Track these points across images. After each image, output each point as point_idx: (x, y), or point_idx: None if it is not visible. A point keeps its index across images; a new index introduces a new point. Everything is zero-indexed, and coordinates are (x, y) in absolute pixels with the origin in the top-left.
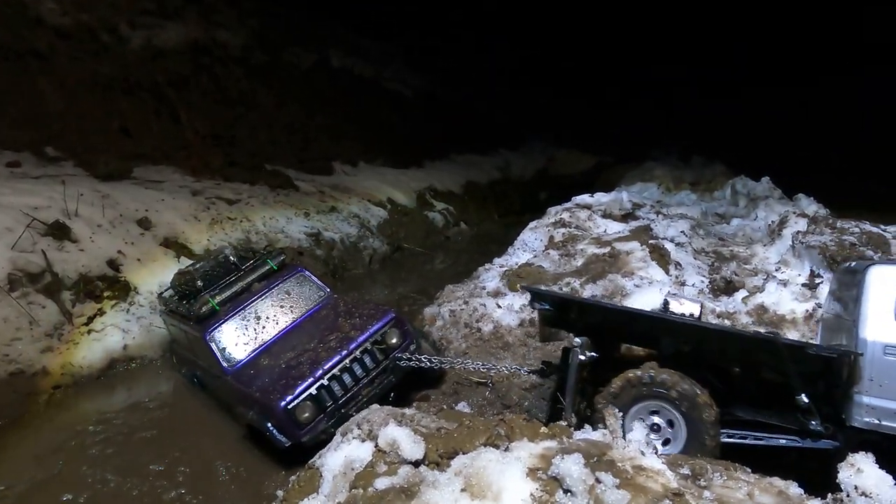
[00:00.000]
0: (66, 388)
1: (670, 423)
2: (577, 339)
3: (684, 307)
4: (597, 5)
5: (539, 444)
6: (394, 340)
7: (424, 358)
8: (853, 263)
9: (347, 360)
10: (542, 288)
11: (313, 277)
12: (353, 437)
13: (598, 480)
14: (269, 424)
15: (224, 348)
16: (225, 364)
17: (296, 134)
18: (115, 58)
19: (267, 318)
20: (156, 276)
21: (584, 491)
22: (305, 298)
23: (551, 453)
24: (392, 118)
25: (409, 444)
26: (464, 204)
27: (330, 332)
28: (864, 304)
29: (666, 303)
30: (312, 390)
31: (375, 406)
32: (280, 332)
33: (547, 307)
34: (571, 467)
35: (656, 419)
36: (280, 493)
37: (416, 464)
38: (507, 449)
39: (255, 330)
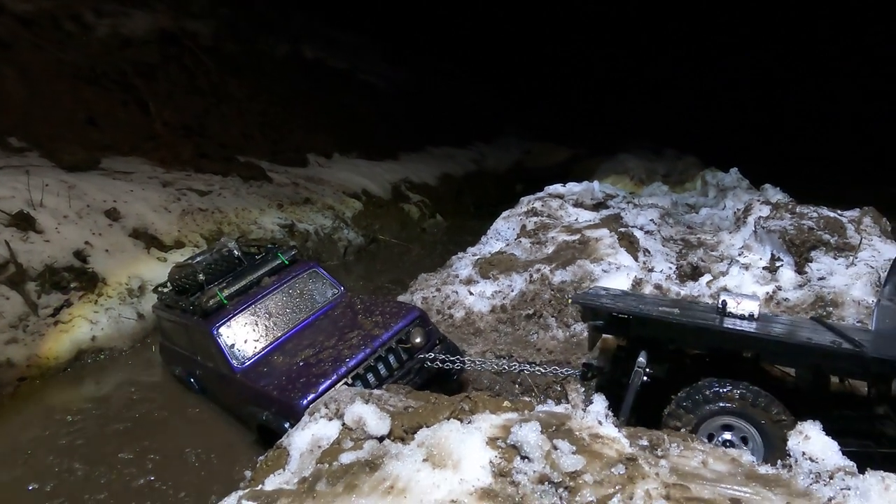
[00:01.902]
0: (32, 381)
1: (744, 440)
2: (641, 359)
3: (742, 306)
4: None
5: (501, 416)
6: (418, 340)
7: (455, 359)
8: None
9: (372, 359)
10: (593, 295)
11: (326, 274)
12: (321, 417)
13: (554, 447)
14: (288, 425)
15: (233, 345)
16: (234, 362)
17: (269, 126)
18: (80, 46)
19: (279, 314)
20: (125, 267)
21: (541, 457)
22: (319, 295)
23: (511, 423)
24: (367, 111)
25: (375, 421)
26: (439, 196)
27: (351, 329)
28: None
29: (724, 303)
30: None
31: (343, 386)
32: (294, 328)
33: (600, 323)
34: (529, 434)
35: (727, 435)
36: (248, 473)
37: (381, 439)
38: (469, 422)
39: (266, 326)
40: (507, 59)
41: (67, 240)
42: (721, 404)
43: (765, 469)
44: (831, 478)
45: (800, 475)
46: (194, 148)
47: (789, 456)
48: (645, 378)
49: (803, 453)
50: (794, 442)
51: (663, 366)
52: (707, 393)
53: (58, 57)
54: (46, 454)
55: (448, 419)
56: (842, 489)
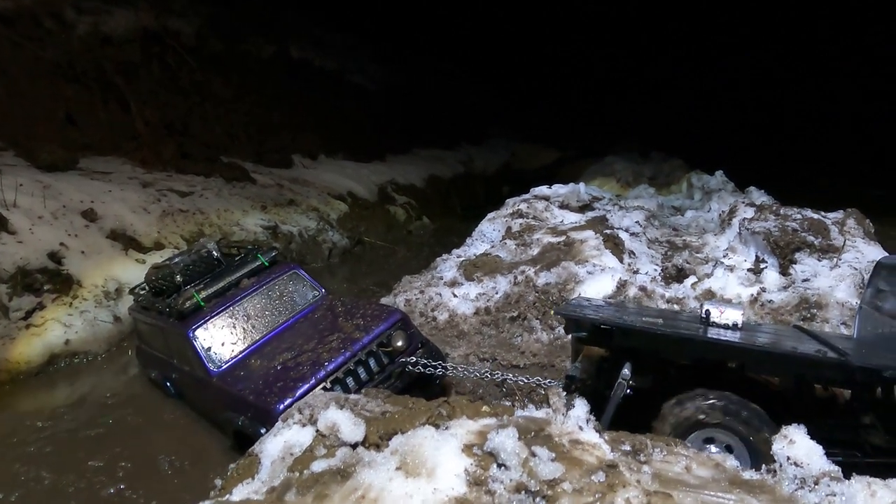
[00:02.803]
0: (1, 386)
1: (728, 449)
2: (626, 371)
3: (726, 315)
4: (560, 4)
5: (478, 421)
6: (399, 343)
7: (437, 364)
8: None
9: (352, 363)
10: (576, 306)
11: (307, 276)
12: (294, 423)
13: (532, 454)
14: (264, 430)
15: (209, 347)
16: (210, 365)
17: (253, 126)
18: (60, 44)
19: (258, 316)
20: (101, 269)
21: (518, 464)
22: (299, 298)
23: (489, 430)
24: (354, 112)
25: (350, 427)
26: (426, 198)
27: (330, 332)
28: None
29: (707, 313)
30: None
31: (319, 391)
32: (272, 331)
33: (583, 334)
34: (506, 441)
35: (712, 448)
36: (218, 481)
37: (355, 446)
38: (446, 428)
39: (244, 329)
40: (496, 61)
41: (41, 241)
42: (705, 417)
43: (749, 474)
44: (816, 483)
45: (784, 480)
46: (176, 148)
47: (774, 461)
48: (628, 391)
49: (788, 458)
50: (779, 446)
51: (647, 377)
52: (679, 412)
53: (36, 54)
54: (13, 462)
55: (424, 425)
56: (827, 495)
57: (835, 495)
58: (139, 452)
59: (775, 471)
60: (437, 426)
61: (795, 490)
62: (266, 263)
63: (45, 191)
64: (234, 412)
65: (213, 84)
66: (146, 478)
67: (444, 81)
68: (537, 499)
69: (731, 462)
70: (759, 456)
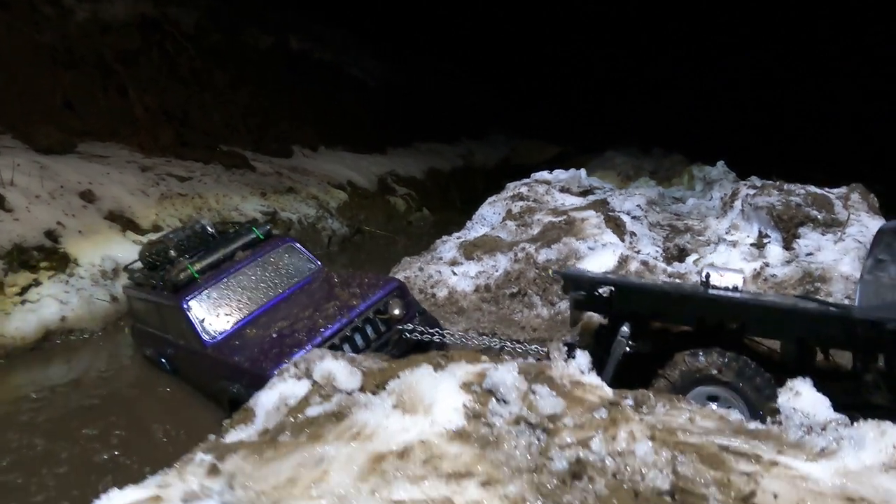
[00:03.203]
0: None
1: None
2: (625, 329)
3: (726, 279)
4: (561, 3)
5: (477, 365)
6: (396, 311)
7: (434, 331)
8: None
9: (348, 329)
10: (575, 271)
11: (303, 249)
12: (290, 376)
13: (532, 391)
14: None
15: (203, 319)
16: (204, 336)
17: (253, 116)
18: (58, 30)
19: (253, 288)
20: (99, 248)
21: (518, 398)
22: (295, 270)
23: (488, 371)
24: (354, 105)
25: (346, 376)
26: (426, 190)
27: (327, 301)
28: None
29: (707, 276)
30: None
31: (315, 349)
32: (268, 303)
33: (582, 293)
34: (506, 376)
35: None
36: (212, 436)
37: (351, 393)
38: (445, 368)
39: (239, 300)
40: (496, 61)
41: (38, 219)
42: (707, 373)
43: (754, 425)
44: (824, 429)
45: (791, 428)
46: (175, 135)
47: (780, 412)
48: (628, 348)
49: (794, 409)
50: (785, 398)
51: (647, 342)
52: (693, 361)
53: (35, 40)
54: (5, 430)
55: (422, 365)
56: (835, 439)
57: (843, 439)
58: (133, 422)
59: (780, 422)
60: (435, 367)
61: (802, 436)
62: (261, 236)
63: (43, 171)
64: (229, 381)
65: (212, 73)
66: (140, 445)
67: (445, 81)
68: (537, 431)
69: (735, 415)
70: (761, 416)
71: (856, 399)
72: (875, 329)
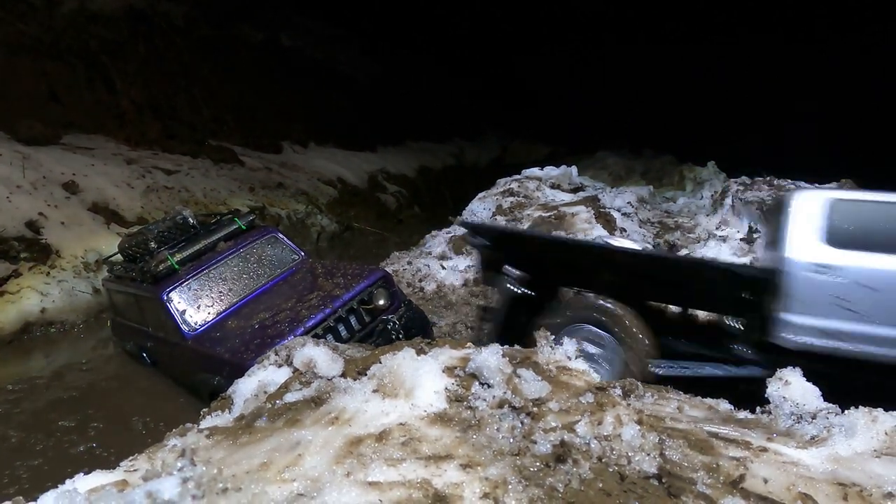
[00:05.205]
0: None
1: (605, 356)
2: (509, 268)
3: (624, 244)
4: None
5: (461, 350)
6: (381, 302)
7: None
8: (779, 198)
9: (332, 320)
10: (479, 221)
11: (286, 240)
12: (270, 364)
13: (517, 375)
14: None
15: (184, 311)
16: (184, 328)
17: (242, 111)
18: (43, 20)
19: (235, 279)
20: (82, 240)
21: (502, 382)
22: (278, 261)
23: (471, 356)
24: (345, 102)
25: (327, 362)
26: (417, 188)
27: (310, 291)
28: (788, 225)
29: (606, 242)
30: None
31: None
32: (250, 294)
33: (486, 243)
34: (489, 359)
35: (591, 348)
36: (189, 425)
37: (332, 379)
38: (427, 353)
39: (221, 292)
40: (487, 58)
41: (19, 210)
42: (585, 313)
43: (744, 414)
44: (814, 417)
45: (780, 417)
46: (162, 128)
47: (769, 402)
48: (513, 289)
49: (784, 398)
50: (774, 388)
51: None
52: (581, 298)
53: (19, 30)
54: None
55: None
56: (825, 427)
57: (834, 427)
58: (112, 414)
59: (770, 411)
60: (418, 352)
61: (793, 425)
62: (243, 227)
63: (25, 161)
64: (209, 373)
65: (200, 67)
66: (118, 437)
67: (437, 80)
68: (521, 415)
69: (723, 405)
70: (634, 363)
71: (722, 351)
72: (764, 278)
